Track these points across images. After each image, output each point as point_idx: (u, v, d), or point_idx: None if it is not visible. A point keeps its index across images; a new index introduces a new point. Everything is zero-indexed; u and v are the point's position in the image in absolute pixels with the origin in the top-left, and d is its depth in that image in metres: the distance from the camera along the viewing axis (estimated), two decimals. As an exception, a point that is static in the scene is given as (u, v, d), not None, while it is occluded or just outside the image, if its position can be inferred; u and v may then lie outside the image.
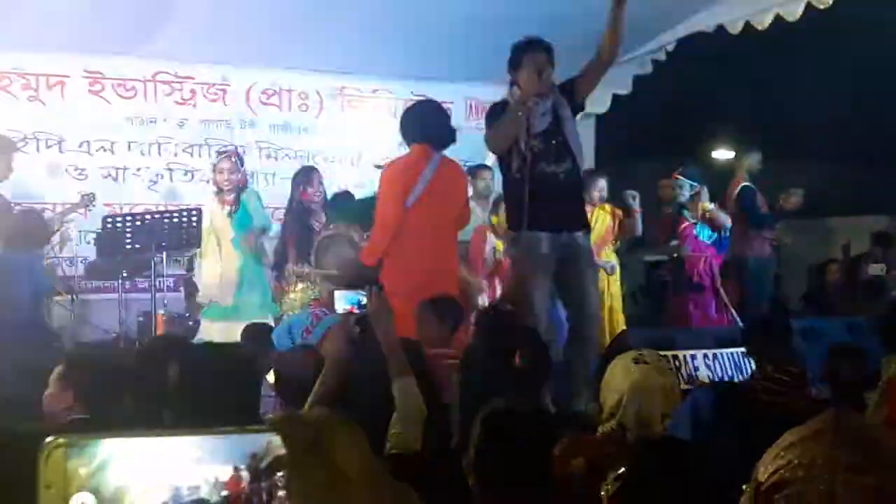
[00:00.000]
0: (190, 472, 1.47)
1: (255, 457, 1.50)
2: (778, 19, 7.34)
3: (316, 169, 7.88)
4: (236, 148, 7.80)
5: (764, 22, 7.46)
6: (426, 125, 5.88)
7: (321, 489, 1.54)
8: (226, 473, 1.48)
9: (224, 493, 1.48)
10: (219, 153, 7.60)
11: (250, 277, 7.20)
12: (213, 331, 6.92)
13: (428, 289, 5.25)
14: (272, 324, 6.08)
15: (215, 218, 7.22)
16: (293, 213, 7.52)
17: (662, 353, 5.57)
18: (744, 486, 1.90)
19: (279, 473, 1.47)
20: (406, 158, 5.93)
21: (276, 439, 1.50)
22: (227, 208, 7.19)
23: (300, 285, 7.12)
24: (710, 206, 8.28)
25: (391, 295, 5.11)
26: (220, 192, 7.25)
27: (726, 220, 8.29)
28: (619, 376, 3.43)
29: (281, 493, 1.51)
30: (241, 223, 7.21)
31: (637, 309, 9.04)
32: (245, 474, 1.50)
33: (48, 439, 1.41)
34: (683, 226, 8.38)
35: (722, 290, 8.21)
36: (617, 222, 8.27)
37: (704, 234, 8.34)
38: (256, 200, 7.33)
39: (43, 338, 6.76)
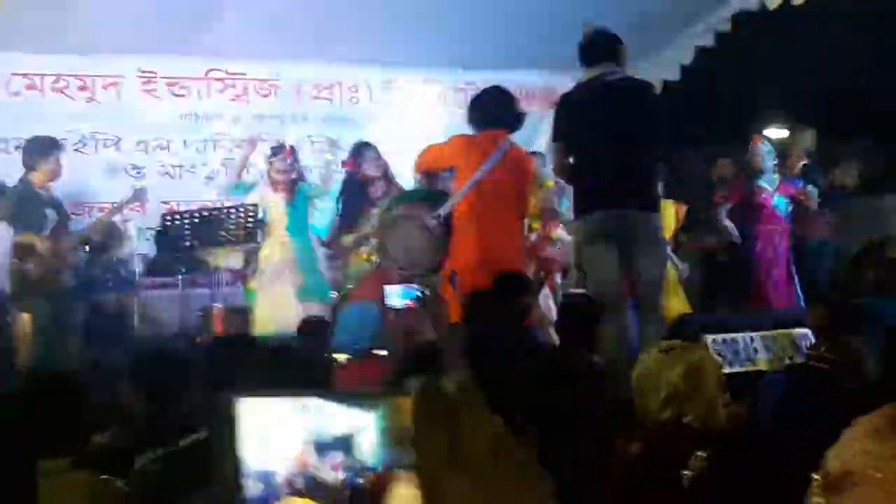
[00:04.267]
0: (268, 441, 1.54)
1: (320, 436, 1.55)
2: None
3: (370, 144, 7.92)
4: (289, 145, 7.79)
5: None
6: (492, 110, 6.18)
7: (445, 460, 1.57)
8: (296, 448, 1.55)
9: (291, 466, 1.54)
10: (273, 150, 7.67)
11: (305, 264, 7.29)
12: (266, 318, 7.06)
13: (494, 267, 5.43)
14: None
15: (271, 210, 7.31)
16: (348, 189, 7.55)
17: (721, 336, 5.63)
18: (813, 475, 1.89)
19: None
20: (477, 136, 6.18)
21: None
22: (283, 201, 7.28)
23: (363, 251, 7.18)
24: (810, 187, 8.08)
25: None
26: (275, 187, 7.35)
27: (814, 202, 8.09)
28: (661, 370, 3.40)
29: (339, 475, 1.56)
30: (297, 215, 7.30)
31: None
32: (312, 451, 1.55)
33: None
34: (762, 196, 8.08)
35: (793, 268, 8.02)
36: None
37: (782, 207, 8.11)
38: (312, 190, 7.42)
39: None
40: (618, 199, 5.65)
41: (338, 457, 1.58)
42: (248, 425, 1.57)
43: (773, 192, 8.07)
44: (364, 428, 1.59)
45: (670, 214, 7.82)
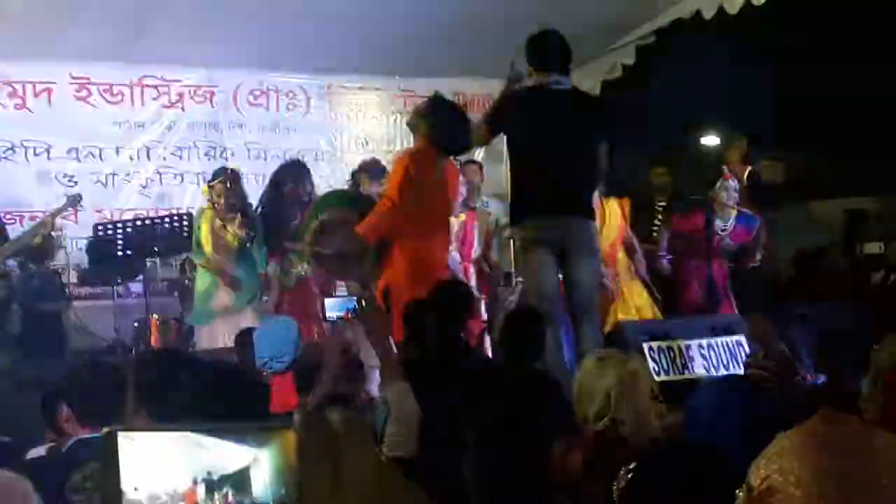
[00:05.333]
0: (157, 476, 1.51)
1: (209, 473, 1.54)
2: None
3: (300, 162, 7.84)
4: (231, 169, 7.58)
5: (735, 5, 7.48)
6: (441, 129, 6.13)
7: (332, 489, 1.56)
8: (185, 484, 1.53)
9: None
10: (214, 174, 7.44)
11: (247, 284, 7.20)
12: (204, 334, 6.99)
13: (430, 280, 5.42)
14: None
15: (210, 233, 7.15)
16: (277, 206, 7.42)
17: (657, 343, 5.69)
18: (737, 491, 1.92)
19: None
20: (421, 151, 6.17)
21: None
22: (222, 226, 7.14)
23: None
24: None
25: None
26: (217, 214, 7.17)
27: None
28: (597, 378, 3.43)
29: None
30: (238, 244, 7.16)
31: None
32: (201, 488, 1.53)
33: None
34: (716, 237, 7.93)
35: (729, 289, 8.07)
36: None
37: (730, 248, 8.06)
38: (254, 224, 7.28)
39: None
40: (553, 206, 5.69)
41: (229, 493, 1.57)
42: (135, 460, 1.55)
43: (727, 235, 7.97)
44: (255, 463, 1.57)
45: (616, 211, 7.84)
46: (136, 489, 1.55)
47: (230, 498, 1.55)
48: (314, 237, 6.49)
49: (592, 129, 5.83)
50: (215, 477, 1.54)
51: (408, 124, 6.52)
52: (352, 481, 1.62)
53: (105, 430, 1.56)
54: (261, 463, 1.56)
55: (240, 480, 1.54)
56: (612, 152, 5.96)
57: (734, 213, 7.96)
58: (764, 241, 8.14)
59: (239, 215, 7.12)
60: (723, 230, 7.93)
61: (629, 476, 2.43)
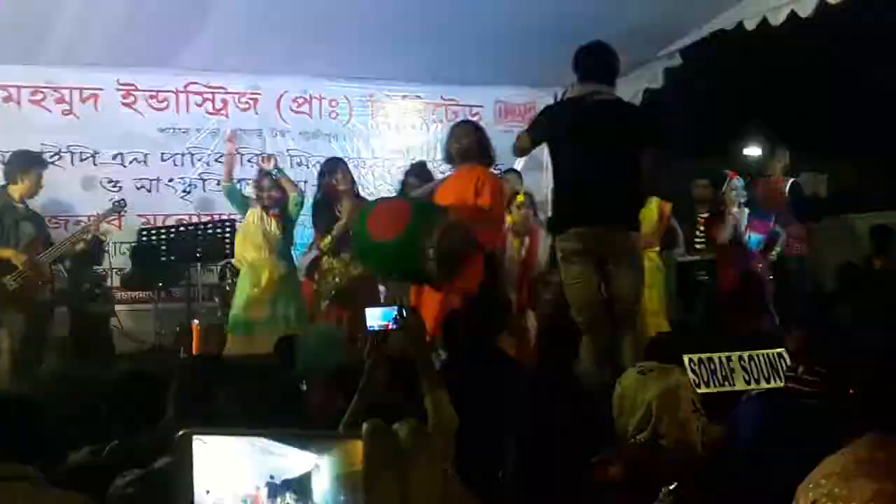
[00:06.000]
0: (225, 480, 1.53)
1: (272, 477, 1.55)
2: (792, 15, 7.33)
3: (341, 159, 7.91)
4: (276, 162, 7.73)
5: (778, 18, 7.43)
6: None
7: (398, 501, 1.57)
8: (251, 488, 1.55)
9: None
10: (259, 171, 7.63)
11: (286, 291, 7.27)
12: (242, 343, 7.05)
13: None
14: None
15: (255, 229, 7.27)
16: (320, 208, 7.53)
17: (697, 355, 5.65)
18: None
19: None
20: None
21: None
22: (272, 222, 7.26)
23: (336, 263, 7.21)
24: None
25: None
26: (262, 205, 7.32)
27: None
28: (637, 391, 3.42)
29: None
30: (283, 238, 7.29)
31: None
32: (264, 492, 1.55)
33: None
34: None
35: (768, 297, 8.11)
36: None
37: (753, 243, 8.30)
38: (294, 206, 7.42)
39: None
40: (594, 216, 5.67)
41: (290, 498, 1.58)
42: (203, 463, 1.57)
43: (745, 230, 8.23)
44: (317, 470, 1.59)
45: (653, 210, 7.86)
46: (207, 492, 1.57)
47: (291, 502, 1.57)
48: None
49: (635, 139, 5.80)
50: (278, 481, 1.57)
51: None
52: (418, 494, 1.63)
53: (181, 432, 1.59)
54: (322, 470, 1.58)
55: (301, 485, 1.56)
56: (658, 159, 5.94)
57: (746, 210, 8.21)
58: (789, 242, 8.22)
59: (279, 209, 7.28)
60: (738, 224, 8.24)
61: (669, 500, 2.42)
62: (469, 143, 6.29)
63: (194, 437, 1.60)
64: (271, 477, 1.59)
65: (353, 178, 7.60)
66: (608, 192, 5.67)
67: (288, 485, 1.59)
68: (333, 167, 7.55)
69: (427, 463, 1.68)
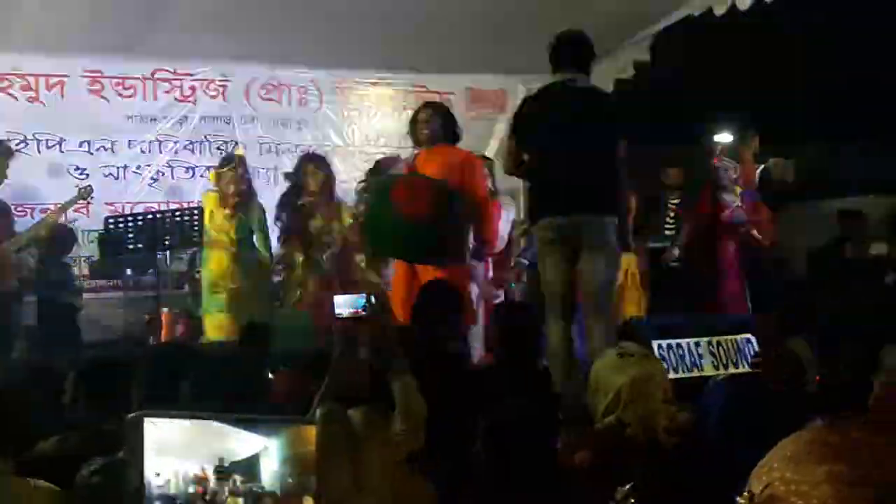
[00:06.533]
0: (174, 462, 1.53)
1: (221, 459, 1.55)
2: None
3: (316, 154, 7.91)
4: (238, 156, 7.69)
5: (745, 2, 7.46)
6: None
7: (350, 485, 1.57)
8: (198, 470, 1.54)
9: (191, 489, 1.54)
10: (222, 160, 7.60)
11: (250, 275, 7.27)
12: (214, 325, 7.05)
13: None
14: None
15: (216, 219, 7.27)
16: (286, 203, 7.52)
17: (665, 341, 5.69)
18: (738, 499, 1.91)
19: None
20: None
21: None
22: (231, 215, 7.25)
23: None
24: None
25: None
26: (223, 200, 7.29)
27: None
28: (610, 373, 3.43)
29: (239, 499, 1.55)
30: (244, 230, 7.28)
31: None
32: (212, 474, 1.54)
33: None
34: (726, 210, 8.30)
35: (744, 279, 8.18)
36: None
37: (740, 220, 8.33)
38: (262, 216, 7.37)
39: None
40: (566, 204, 5.67)
41: (238, 480, 1.58)
42: (154, 446, 1.56)
43: (736, 208, 8.24)
44: (266, 452, 1.58)
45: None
46: (157, 474, 1.57)
47: (239, 484, 1.56)
48: None
49: (606, 125, 5.81)
50: (226, 463, 1.56)
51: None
52: (371, 479, 1.64)
53: (132, 415, 1.58)
54: (271, 452, 1.57)
55: (250, 467, 1.56)
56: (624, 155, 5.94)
57: (737, 189, 8.27)
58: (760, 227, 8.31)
59: (243, 202, 7.25)
60: (731, 203, 8.24)
61: (628, 497, 2.43)
62: (438, 125, 6.31)
63: (145, 419, 1.59)
64: (220, 459, 1.58)
65: (327, 178, 7.55)
66: (579, 180, 5.69)
67: (236, 467, 1.58)
68: (305, 164, 7.53)
69: (381, 448, 1.68)
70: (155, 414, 1.60)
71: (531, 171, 5.96)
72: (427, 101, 6.44)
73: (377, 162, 7.82)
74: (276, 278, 7.56)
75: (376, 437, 1.67)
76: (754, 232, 8.36)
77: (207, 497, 1.57)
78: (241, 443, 1.59)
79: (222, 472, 1.57)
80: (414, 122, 6.47)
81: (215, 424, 1.59)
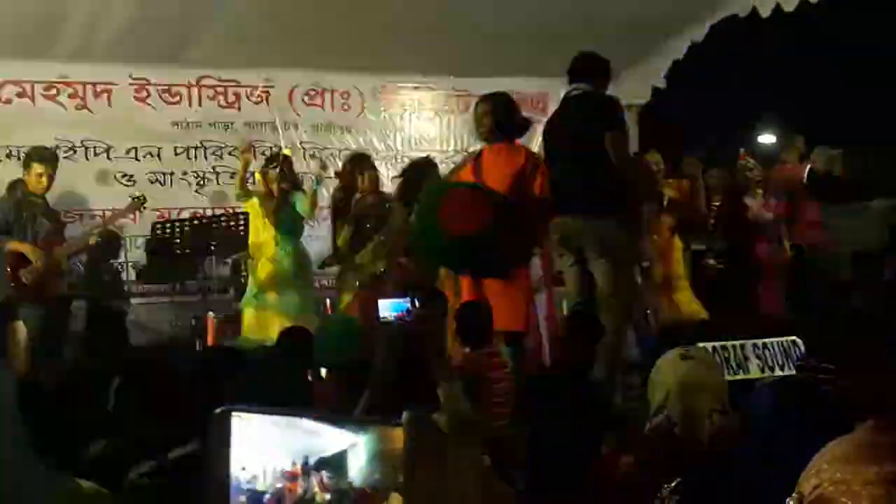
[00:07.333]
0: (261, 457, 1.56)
1: (307, 456, 1.58)
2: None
3: (365, 155, 8.04)
4: (283, 155, 7.76)
5: (791, 3, 7.42)
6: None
7: (435, 489, 1.58)
8: (286, 465, 1.57)
9: (279, 484, 1.57)
10: (267, 160, 7.68)
11: (297, 277, 7.34)
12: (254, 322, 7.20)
13: None
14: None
15: (264, 219, 7.34)
16: (343, 204, 7.62)
17: (710, 343, 5.65)
18: (788, 500, 1.91)
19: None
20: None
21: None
22: (277, 211, 7.31)
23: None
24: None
25: None
26: (269, 196, 7.37)
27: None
28: (666, 372, 3.43)
29: (327, 495, 1.58)
30: (288, 225, 7.35)
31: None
32: (300, 468, 1.57)
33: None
34: (748, 211, 8.31)
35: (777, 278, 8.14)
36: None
37: (766, 220, 8.33)
38: (304, 198, 7.45)
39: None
40: (568, 206, 5.78)
41: (325, 475, 1.60)
42: (239, 441, 1.59)
43: (759, 208, 8.28)
44: (353, 448, 1.60)
45: (673, 196, 7.98)
46: (243, 468, 1.59)
47: (326, 480, 1.58)
48: None
49: (601, 127, 5.83)
50: (314, 458, 1.59)
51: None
52: (456, 485, 1.64)
53: (219, 409, 1.61)
54: (359, 448, 1.59)
55: (338, 463, 1.58)
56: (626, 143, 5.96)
57: (759, 191, 8.31)
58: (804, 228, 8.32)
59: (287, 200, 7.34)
60: (754, 203, 8.30)
61: (673, 494, 2.43)
62: (492, 121, 6.00)
63: (232, 414, 1.62)
64: (307, 454, 1.61)
65: (377, 177, 7.64)
66: (579, 182, 5.78)
67: (324, 462, 1.60)
68: (358, 163, 7.62)
69: (467, 454, 1.68)
70: (241, 409, 1.62)
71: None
72: (486, 93, 6.22)
73: (412, 162, 7.86)
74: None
75: (462, 443, 1.68)
76: (784, 233, 8.32)
77: (298, 492, 1.60)
78: (327, 439, 1.61)
79: (310, 466, 1.60)
80: (475, 116, 6.30)
81: (302, 421, 1.62)
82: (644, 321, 7.57)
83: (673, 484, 2.44)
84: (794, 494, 1.90)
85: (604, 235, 5.81)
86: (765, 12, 7.70)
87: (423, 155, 8.52)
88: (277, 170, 7.40)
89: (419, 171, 7.43)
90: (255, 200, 7.48)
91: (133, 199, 7.66)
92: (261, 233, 7.38)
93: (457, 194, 5.75)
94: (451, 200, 5.60)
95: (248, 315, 7.35)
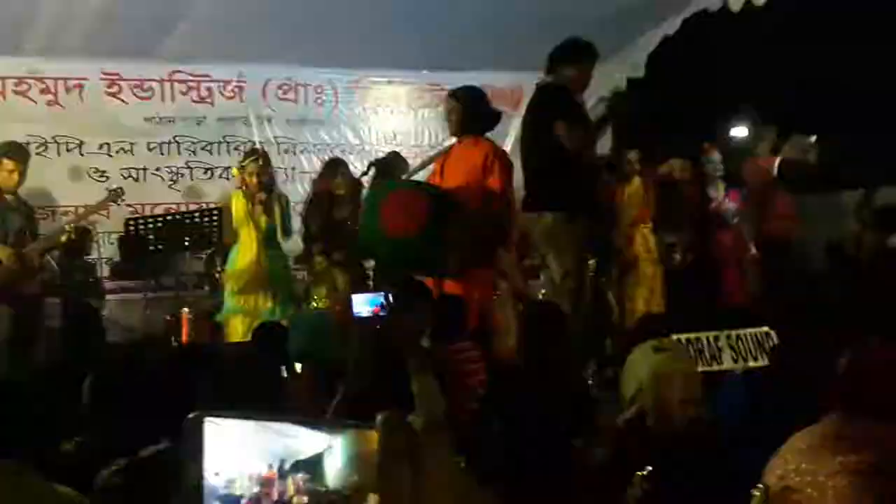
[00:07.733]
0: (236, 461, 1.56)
1: (283, 459, 1.57)
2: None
3: (341, 161, 7.98)
4: (262, 147, 7.76)
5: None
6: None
7: (409, 496, 1.58)
8: (262, 469, 1.57)
9: (255, 488, 1.56)
10: (245, 154, 7.61)
11: (276, 274, 7.30)
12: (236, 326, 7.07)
13: None
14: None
15: (240, 215, 7.27)
16: (316, 207, 7.59)
17: (684, 335, 5.68)
18: (753, 491, 1.92)
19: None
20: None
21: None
22: (257, 207, 7.24)
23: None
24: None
25: None
26: (246, 191, 7.29)
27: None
28: (639, 364, 3.46)
29: (304, 498, 1.57)
30: (269, 224, 7.29)
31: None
32: (276, 473, 1.57)
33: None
34: (713, 203, 8.43)
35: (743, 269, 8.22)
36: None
37: (729, 214, 8.41)
38: (285, 204, 7.39)
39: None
40: (525, 205, 5.93)
41: (301, 478, 1.59)
42: (213, 446, 1.59)
43: (723, 200, 8.41)
44: (329, 450, 1.60)
45: (637, 191, 8.10)
46: (216, 474, 1.59)
47: (302, 483, 1.58)
48: None
49: (548, 115, 5.86)
50: (290, 461, 1.58)
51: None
52: (432, 487, 1.64)
53: (192, 415, 1.60)
54: (335, 450, 1.59)
55: (314, 465, 1.57)
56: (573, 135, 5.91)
57: (722, 184, 8.44)
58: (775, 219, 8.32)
59: (268, 195, 7.28)
60: (718, 196, 8.41)
61: (641, 485, 2.45)
62: (459, 116, 6.04)
63: (205, 419, 1.61)
64: (283, 457, 1.60)
65: (354, 181, 7.61)
66: (530, 178, 5.91)
67: (301, 464, 1.60)
68: (333, 169, 7.61)
69: (441, 456, 1.68)
70: (216, 414, 1.62)
71: None
72: (455, 88, 6.23)
73: (379, 159, 7.86)
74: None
75: (437, 445, 1.68)
76: (743, 225, 8.41)
77: (274, 497, 1.59)
78: (303, 442, 1.61)
79: (286, 469, 1.59)
80: (445, 111, 6.29)
81: (277, 425, 1.61)
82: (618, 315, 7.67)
83: (644, 472, 2.45)
84: (759, 485, 1.92)
85: (544, 231, 5.85)
86: (736, 6, 7.73)
87: (397, 149, 8.53)
88: (259, 162, 7.30)
89: (387, 166, 7.47)
90: (239, 194, 7.38)
91: (110, 191, 7.62)
92: (239, 229, 7.29)
93: (396, 195, 5.77)
94: (391, 201, 5.61)
95: (235, 322, 7.24)
